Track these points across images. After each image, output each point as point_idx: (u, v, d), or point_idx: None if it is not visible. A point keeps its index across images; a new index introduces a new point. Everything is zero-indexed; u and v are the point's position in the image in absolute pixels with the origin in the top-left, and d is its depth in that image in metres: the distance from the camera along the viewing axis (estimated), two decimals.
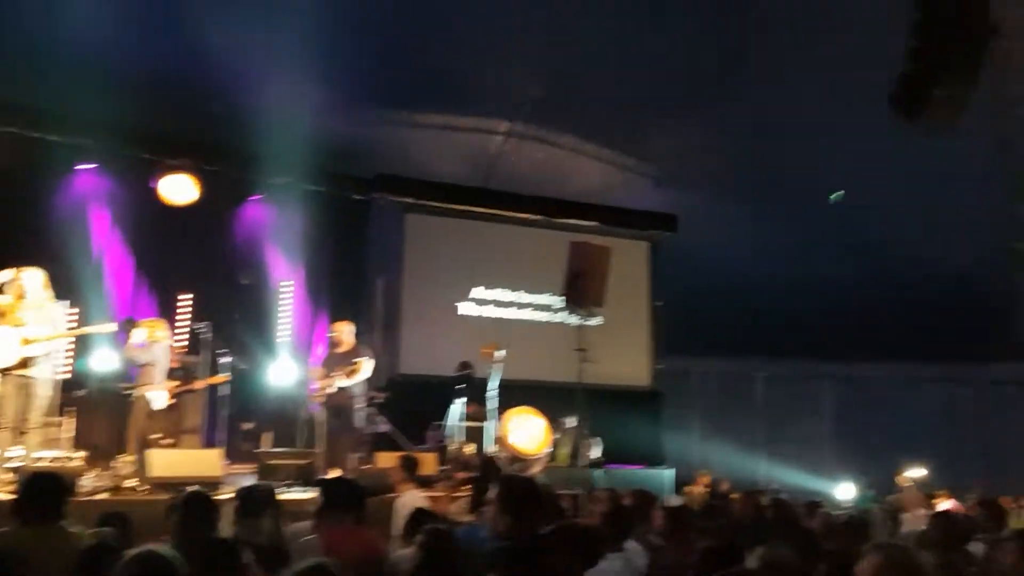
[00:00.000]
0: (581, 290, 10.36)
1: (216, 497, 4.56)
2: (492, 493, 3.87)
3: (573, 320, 11.34)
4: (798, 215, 13.52)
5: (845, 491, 14.11)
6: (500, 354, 10.26)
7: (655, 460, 13.12)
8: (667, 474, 12.30)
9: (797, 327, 14.61)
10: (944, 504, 9.44)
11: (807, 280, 14.00)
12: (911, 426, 15.58)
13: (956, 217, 11.86)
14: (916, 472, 13.70)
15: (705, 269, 13.99)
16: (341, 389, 9.11)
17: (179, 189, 10.81)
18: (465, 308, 13.57)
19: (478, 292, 13.68)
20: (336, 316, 10.49)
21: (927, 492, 11.41)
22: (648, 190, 14.44)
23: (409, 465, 7.18)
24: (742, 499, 7.98)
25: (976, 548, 5.75)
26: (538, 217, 14.09)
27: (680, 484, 12.24)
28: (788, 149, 12.22)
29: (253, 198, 11.91)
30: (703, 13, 10.65)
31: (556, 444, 10.75)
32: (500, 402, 10.30)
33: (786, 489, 13.00)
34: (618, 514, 5.37)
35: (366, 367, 9.20)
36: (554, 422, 10.71)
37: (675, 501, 8.87)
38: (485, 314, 13.64)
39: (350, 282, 12.68)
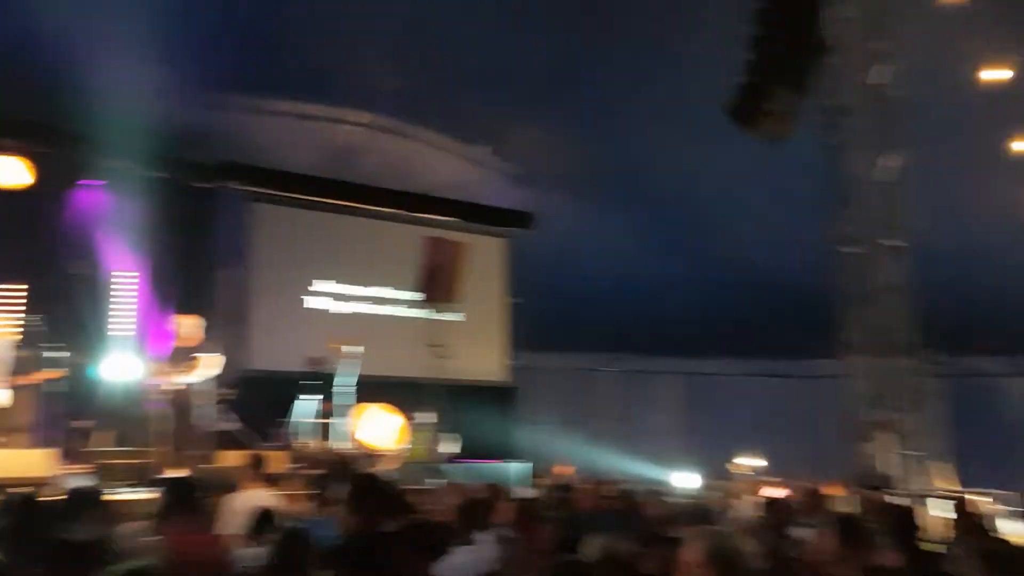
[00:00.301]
0: (436, 285, 10.40)
1: (44, 498, 4.33)
2: (339, 490, 3.84)
3: (428, 315, 11.36)
4: (646, 216, 14.03)
5: (687, 480, 14.72)
6: (352, 349, 10.14)
7: (509, 454, 13.31)
8: (521, 468, 12.49)
9: (645, 324, 15.14)
10: (772, 491, 10.02)
11: (654, 279, 14.52)
12: (747, 418, 16.42)
13: (788, 222, 12.57)
14: (750, 461, 14.51)
15: (560, 267, 14.27)
16: (185, 385, 8.78)
17: (11, 172, 10.18)
18: (317, 302, 13.31)
19: (330, 286, 13.44)
20: (181, 309, 10.07)
21: (759, 480, 12.11)
22: (505, 187, 14.61)
23: (256, 463, 7.01)
24: (587, 490, 8.21)
25: (801, 533, 6.15)
26: (394, 211, 13.98)
27: (534, 477, 12.45)
28: (635, 151, 12.66)
29: (92, 183, 11.26)
30: (561, 14, 10.88)
31: (411, 440, 10.73)
32: (354, 398, 10.18)
33: (634, 480, 13.43)
34: (469, 508, 5.44)
35: (212, 363, 8.90)
36: (409, 418, 10.69)
37: (527, 494, 9.04)
38: (337, 309, 13.42)
39: (196, 274, 12.17)
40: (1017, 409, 15.33)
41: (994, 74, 9.82)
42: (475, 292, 12.53)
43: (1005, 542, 5.93)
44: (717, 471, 14.02)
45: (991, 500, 10.93)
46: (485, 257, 14.14)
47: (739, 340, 15.79)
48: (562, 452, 14.85)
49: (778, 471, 13.09)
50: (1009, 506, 11.02)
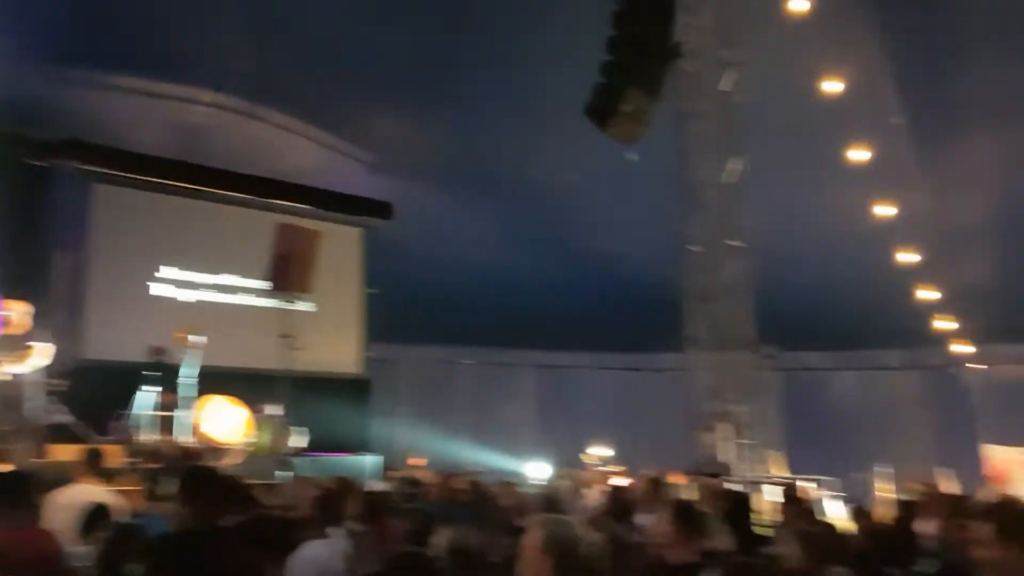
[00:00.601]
0: (287, 274, 10.11)
1: None
2: (172, 484, 3.69)
3: (279, 305, 11.03)
4: (505, 209, 14.16)
5: (540, 470, 14.99)
6: (197, 339, 9.74)
7: (362, 447, 13.15)
8: (373, 461, 12.37)
9: (502, 317, 15.29)
10: (618, 480, 10.36)
11: (512, 272, 14.69)
12: (599, 410, 16.90)
13: (642, 220, 13.00)
14: (600, 451, 14.94)
15: (418, 258, 14.21)
16: (12, 376, 8.20)
17: None
18: (159, 289, 12.70)
19: (174, 272, 12.85)
20: (9, 294, 9.37)
21: (608, 469, 12.49)
22: (363, 175, 14.39)
23: (91, 457, 6.65)
24: (439, 482, 8.23)
25: (643, 519, 6.39)
26: (244, 196, 13.49)
27: (386, 470, 12.36)
28: (496, 145, 12.75)
29: None
30: (423, 3, 10.82)
31: (257, 433, 10.42)
32: (198, 390, 9.79)
33: (488, 471, 13.56)
34: (320, 501, 5.36)
35: (42, 352, 8.34)
36: (256, 410, 10.38)
37: (379, 487, 8.97)
38: (182, 296, 12.86)
39: (29, 257, 11.36)
40: (842, 401, 16.47)
41: (830, 86, 10.47)
42: (329, 282, 12.26)
43: (826, 525, 6.37)
44: (570, 461, 14.34)
45: (817, 486, 11.69)
46: (341, 246, 13.88)
47: (593, 334, 16.21)
48: (417, 444, 14.82)
49: (626, 461, 13.53)
50: (833, 491, 11.83)
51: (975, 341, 15.09)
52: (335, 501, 5.46)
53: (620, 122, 8.50)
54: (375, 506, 5.55)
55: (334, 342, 13.90)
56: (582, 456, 14.70)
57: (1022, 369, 15.49)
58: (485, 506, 7.65)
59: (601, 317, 15.39)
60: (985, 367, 15.75)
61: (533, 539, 2.64)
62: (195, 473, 3.71)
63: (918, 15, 10.47)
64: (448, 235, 14.31)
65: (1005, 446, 14.61)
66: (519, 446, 16.39)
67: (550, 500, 6.48)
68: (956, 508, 6.83)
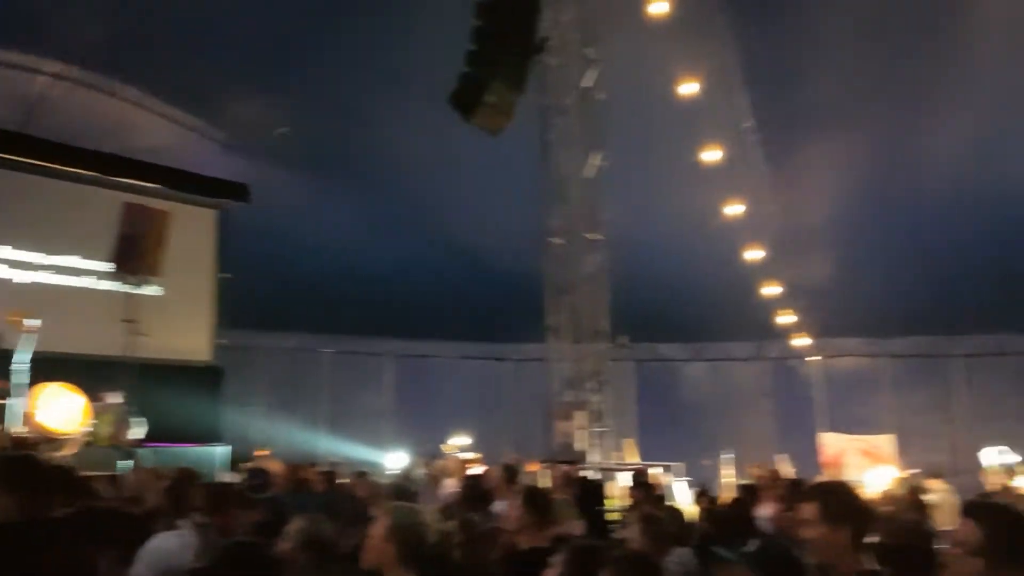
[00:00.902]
0: (134, 256, 9.61)
1: None
2: None
3: (123, 289, 10.47)
4: (368, 196, 13.95)
5: (397, 460, 14.90)
6: (32, 323, 9.12)
7: (212, 438, 12.67)
8: (224, 452, 11.95)
9: (361, 305, 15.07)
10: (476, 469, 10.43)
11: (373, 260, 14.49)
12: (461, 399, 16.94)
13: (507, 211, 13.09)
14: (460, 441, 14.97)
15: (275, 242, 13.79)
16: None
17: None
18: None
19: (8, 251, 11.97)
20: None
21: (468, 459, 12.54)
22: (218, 155, 13.83)
23: None
24: (289, 472, 8.06)
25: (499, 507, 6.46)
26: (89, 173, 12.69)
27: (236, 461, 11.97)
28: (361, 130, 12.53)
29: None
30: None
31: (96, 422, 9.85)
32: (32, 377, 9.17)
33: (346, 461, 13.35)
34: (168, 493, 5.16)
35: None
36: (95, 399, 9.82)
37: (228, 478, 8.68)
38: (15, 278, 11.99)
39: None
40: (693, 390, 17.16)
41: (686, 87, 10.85)
42: (180, 265, 11.75)
43: (671, 509, 6.63)
44: (430, 451, 14.32)
45: (667, 472, 12.14)
46: (193, 228, 13.30)
47: (455, 323, 16.21)
48: (271, 434, 14.43)
49: (487, 450, 13.62)
50: (681, 476, 12.32)
51: (813, 335, 16.05)
52: (181, 492, 5.28)
53: (484, 112, 8.52)
54: (220, 497, 5.36)
55: (184, 328, 13.30)
56: (442, 446, 14.70)
57: (855, 361, 16.59)
58: (339, 496, 7.56)
59: (463, 307, 15.42)
60: (821, 359, 16.76)
61: (378, 527, 2.61)
62: (15, 461, 3.46)
63: (768, 23, 10.99)
64: (308, 220, 13.96)
65: (839, 433, 15.62)
66: (378, 436, 16.24)
67: (399, 489, 6.45)
68: (791, 491, 7.22)
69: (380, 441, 16.11)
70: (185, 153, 13.52)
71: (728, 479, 12.76)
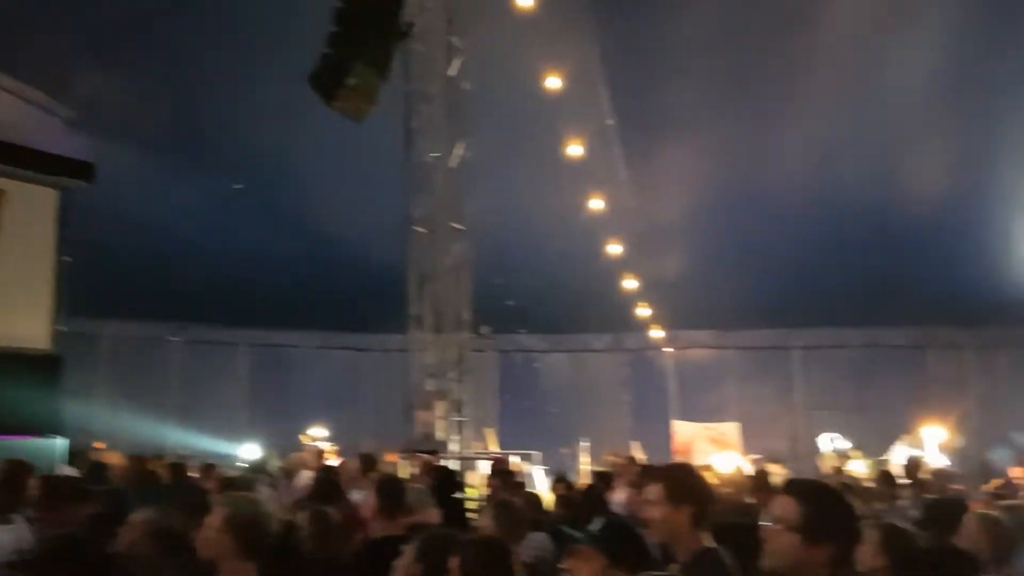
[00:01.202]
0: None
1: None
2: None
3: None
4: (222, 180, 13.43)
5: (250, 452, 14.53)
6: None
7: (50, 430, 11.90)
8: (62, 444, 11.27)
9: (215, 292, 14.55)
10: (333, 460, 10.31)
11: (227, 247, 14.02)
12: (322, 390, 16.64)
13: (370, 199, 12.90)
14: (318, 432, 14.74)
15: (122, 226, 13.10)
16: None
17: None
18: None
19: None
20: None
21: (327, 449, 12.35)
22: (61, 132, 12.97)
23: None
24: (132, 464, 7.75)
25: (357, 496, 6.40)
26: None
27: (77, 454, 11.33)
28: (215, 111, 12.07)
29: None
30: None
31: None
32: None
33: (196, 454, 12.89)
34: (2, 487, 4.90)
35: None
36: None
37: (65, 471, 8.26)
38: None
39: None
40: (552, 381, 17.49)
41: (551, 82, 10.99)
42: (14, 247, 10.96)
43: (528, 495, 6.75)
44: (287, 443, 14.01)
45: (526, 460, 12.34)
46: (32, 208, 12.42)
47: (315, 313, 15.88)
48: (116, 426, 13.77)
49: (347, 441, 13.45)
50: (540, 464, 12.56)
51: (667, 327, 16.67)
52: (14, 486, 5.09)
53: (346, 96, 8.35)
54: (54, 491, 5.11)
55: (19, 314, 12.42)
56: (300, 437, 14.42)
57: (705, 353, 17.35)
58: (185, 489, 7.32)
59: (324, 296, 15.12)
60: (674, 351, 17.43)
61: (214, 518, 2.53)
62: None
63: (632, 24, 11.29)
64: (157, 202, 13.31)
65: (690, 421, 16.31)
66: (232, 428, 15.77)
67: (239, 480, 6.32)
68: (643, 477, 7.48)
69: (234, 433, 15.65)
70: (26, 129, 12.60)
71: (585, 466, 13.09)
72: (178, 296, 14.54)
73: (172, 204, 13.51)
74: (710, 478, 7.75)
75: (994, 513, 4.46)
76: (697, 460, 13.05)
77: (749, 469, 12.06)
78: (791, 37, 11.14)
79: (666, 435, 16.03)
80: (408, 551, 3.39)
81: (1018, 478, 9.11)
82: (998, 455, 14.07)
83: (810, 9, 10.65)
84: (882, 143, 12.15)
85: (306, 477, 9.18)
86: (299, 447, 13.39)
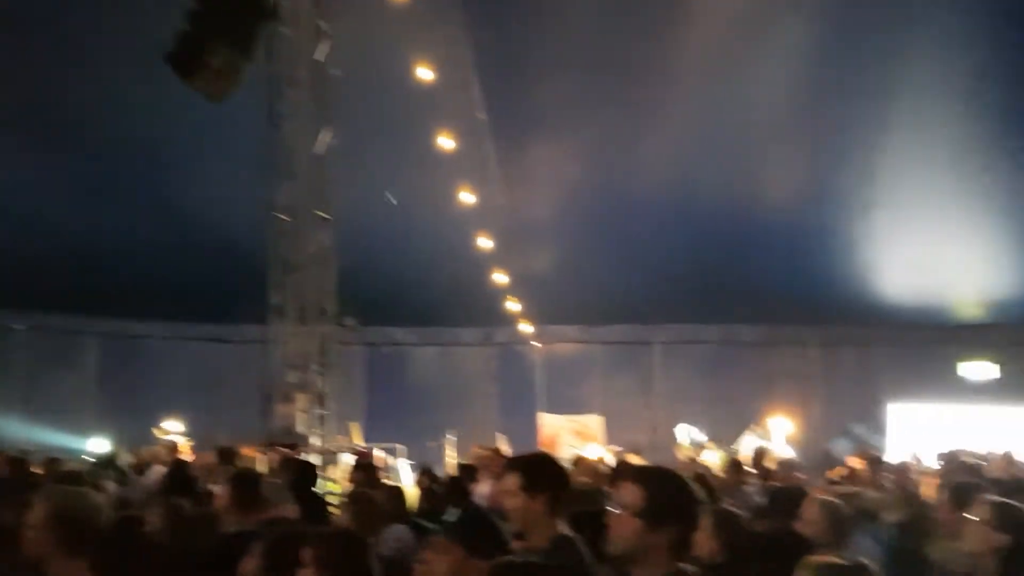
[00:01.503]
0: None
1: None
2: None
3: None
4: (70, 158, 12.67)
5: (98, 446, 13.93)
6: None
7: None
8: None
9: (61, 278, 13.76)
10: (187, 453, 9.97)
11: (77, 229, 13.27)
12: (178, 382, 16.01)
13: (232, 183, 12.45)
14: (172, 426, 14.22)
15: None
16: None
17: None
18: None
19: None
20: None
21: (178, 443, 11.92)
22: None
23: None
24: None
25: (215, 489, 6.20)
26: None
27: None
28: (60, 85, 11.35)
29: None
30: None
31: None
32: None
33: (39, 448, 12.21)
34: None
35: None
36: None
37: None
38: None
39: None
40: (422, 374, 17.46)
41: (423, 73, 10.90)
42: None
43: (390, 488, 6.71)
44: (140, 437, 13.45)
45: (392, 454, 12.30)
46: None
47: (172, 301, 15.23)
48: None
49: (203, 435, 13.02)
50: (405, 458, 12.54)
51: (536, 322, 16.91)
52: None
53: (206, 76, 8.01)
54: None
55: None
56: (154, 431, 13.89)
57: (571, 347, 17.71)
58: (26, 483, 6.91)
59: (181, 284, 14.50)
60: (542, 345, 17.71)
61: (36, 514, 2.38)
62: None
63: (505, 19, 11.34)
64: (3, 184, 12.47)
65: (556, 414, 16.63)
66: (80, 421, 15.00)
67: (83, 475, 6.04)
68: (502, 467, 7.55)
69: (81, 427, 14.91)
70: None
71: (452, 459, 13.13)
72: (20, 280, 13.64)
73: (17, 183, 12.64)
74: (577, 469, 7.96)
75: (831, 499, 4.73)
76: (562, 452, 13.29)
77: (611, 460, 12.39)
78: (658, 42, 11.47)
79: (533, 428, 16.28)
80: (256, 546, 3.31)
81: (857, 467, 9.72)
82: (839, 446, 15.03)
83: (676, 16, 10.99)
84: (739, 148, 12.69)
85: (158, 472, 8.87)
86: (152, 441, 12.91)
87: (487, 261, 14.42)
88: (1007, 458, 10.03)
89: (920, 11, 10.79)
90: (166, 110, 11.39)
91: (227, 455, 7.48)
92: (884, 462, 9.94)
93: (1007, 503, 4.01)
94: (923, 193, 12.87)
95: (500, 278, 14.93)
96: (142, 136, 12.18)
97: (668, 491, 2.70)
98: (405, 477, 11.13)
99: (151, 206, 13.47)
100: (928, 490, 7.04)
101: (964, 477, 6.66)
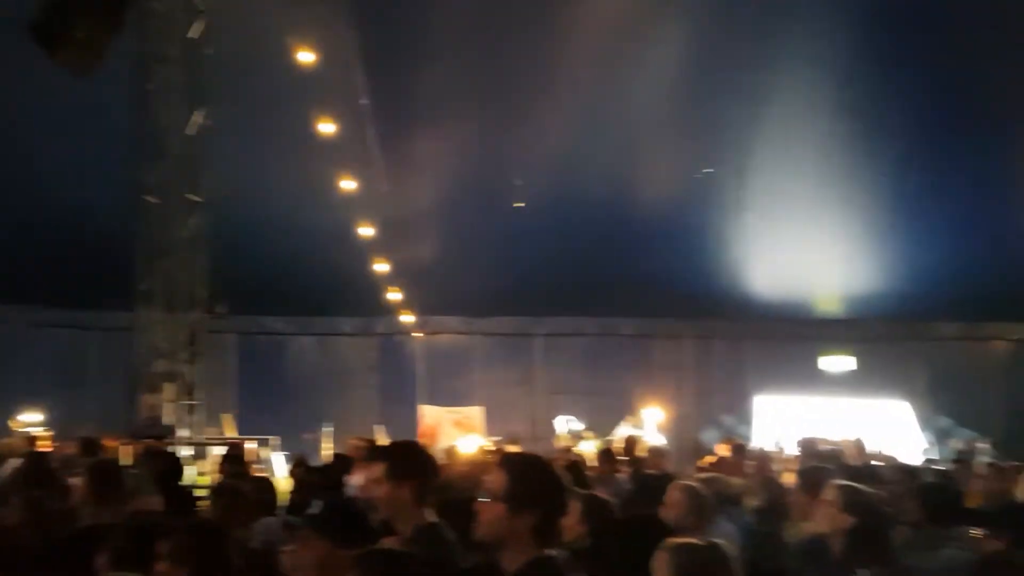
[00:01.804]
0: None
1: None
2: None
3: None
4: None
5: None
6: None
7: None
8: None
9: None
10: (46, 446, 9.51)
11: None
12: (33, 372, 15.16)
13: (95, 165, 11.86)
14: (31, 417, 13.47)
15: None
16: None
17: None
18: None
19: None
20: None
21: (36, 434, 11.32)
22: None
23: None
24: None
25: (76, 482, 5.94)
26: None
27: None
28: None
29: None
30: None
31: None
32: None
33: None
34: None
35: None
36: None
37: None
38: None
39: None
40: (298, 364, 17.10)
41: (304, 56, 10.65)
42: None
43: (259, 480, 6.57)
44: None
45: (264, 445, 12.00)
46: None
47: (29, 285, 14.37)
48: None
49: (65, 426, 12.39)
50: (279, 450, 12.26)
51: (417, 312, 16.83)
52: None
53: (70, 50, 7.59)
54: None
55: None
56: (10, 423, 13.13)
57: (453, 338, 17.71)
58: None
59: (41, 268, 13.71)
60: (424, 336, 17.65)
61: None
62: None
63: (390, 3, 11.22)
64: None
65: (436, 406, 16.60)
66: None
67: None
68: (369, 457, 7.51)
69: None
70: None
71: (328, 451, 12.94)
72: None
73: None
74: (452, 460, 7.99)
75: (693, 484, 4.93)
76: (442, 443, 13.29)
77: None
78: (541, 37, 11.60)
79: (412, 419, 16.20)
80: (113, 538, 3.21)
81: (724, 455, 10.11)
82: (709, 435, 15.63)
83: (559, 13, 11.13)
84: (619, 145, 12.99)
85: (13, 464, 8.42)
86: (8, 433, 12.24)
87: (368, 249, 14.24)
88: (858, 445, 10.65)
89: (790, 20, 11.31)
90: (28, 83, 10.74)
91: (89, 447, 7.14)
92: (749, 450, 10.39)
93: (854, 487, 4.25)
94: (790, 194, 13.52)
95: (381, 267, 14.77)
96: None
97: (530, 476, 2.75)
98: (279, 469, 10.90)
99: (7, 181, 12.66)
100: (788, 476, 7.41)
101: (818, 463, 7.04)
